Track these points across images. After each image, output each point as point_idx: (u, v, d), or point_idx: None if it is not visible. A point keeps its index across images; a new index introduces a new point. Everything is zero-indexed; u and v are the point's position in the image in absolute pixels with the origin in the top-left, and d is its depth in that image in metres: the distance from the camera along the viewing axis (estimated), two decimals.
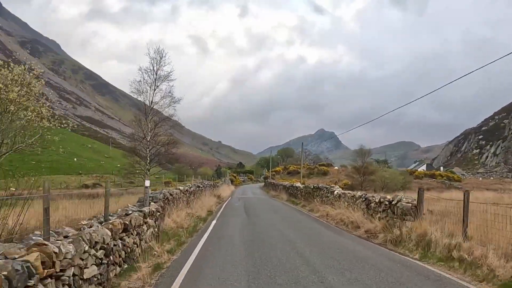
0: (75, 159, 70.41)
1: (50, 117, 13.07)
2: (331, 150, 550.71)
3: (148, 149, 19.49)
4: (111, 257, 7.06)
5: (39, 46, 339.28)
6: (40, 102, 13.02)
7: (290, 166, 66.20)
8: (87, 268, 5.81)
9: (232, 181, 65.76)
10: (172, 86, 21.16)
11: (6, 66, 11.62)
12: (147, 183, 12.94)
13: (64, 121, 14.53)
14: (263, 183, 77.81)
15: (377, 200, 14.56)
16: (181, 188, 20.90)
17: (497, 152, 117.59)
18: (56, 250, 4.83)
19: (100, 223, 7.96)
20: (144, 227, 10.09)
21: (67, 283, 5.05)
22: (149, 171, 19.68)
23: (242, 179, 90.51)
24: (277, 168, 65.29)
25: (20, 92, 11.58)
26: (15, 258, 4.21)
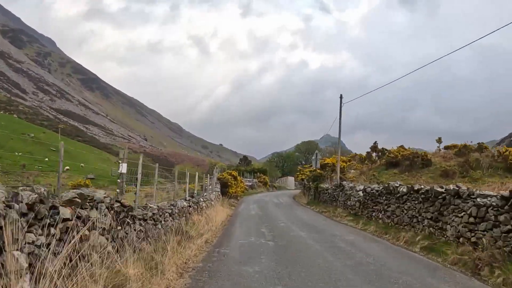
0: None
1: None
2: None
3: None
4: None
5: (24, 36, 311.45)
6: None
7: (398, 151, 30.73)
8: None
9: (226, 187, 33.09)
10: None
11: None
12: None
13: None
14: (297, 190, 46.19)
15: None
16: None
17: None
18: None
19: None
20: None
21: None
22: None
23: (249, 183, 54.69)
24: (329, 160, 32.19)
25: None
26: None
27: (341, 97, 26.37)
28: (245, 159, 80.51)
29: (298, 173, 53.02)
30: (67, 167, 48.35)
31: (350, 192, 20.69)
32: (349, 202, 20.65)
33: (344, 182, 22.36)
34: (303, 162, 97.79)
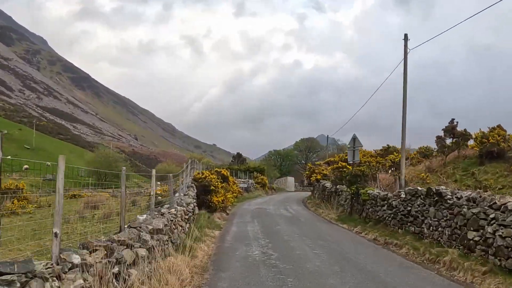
0: None
1: None
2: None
3: None
4: None
5: (13, 34, 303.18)
6: None
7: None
8: None
9: (207, 193, 21.08)
10: None
11: None
12: None
13: None
14: (300, 193, 37.94)
15: None
16: None
17: None
18: None
19: None
20: None
21: None
22: None
23: (244, 185, 44.67)
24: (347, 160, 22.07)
25: None
26: None
27: (405, 37, 16.89)
28: (238, 157, 67.98)
29: (307, 172, 43.15)
30: (26, 166, 38.80)
31: (475, 210, 9.42)
32: (475, 235, 9.32)
33: (442, 188, 12.49)
34: (303, 162, 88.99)
